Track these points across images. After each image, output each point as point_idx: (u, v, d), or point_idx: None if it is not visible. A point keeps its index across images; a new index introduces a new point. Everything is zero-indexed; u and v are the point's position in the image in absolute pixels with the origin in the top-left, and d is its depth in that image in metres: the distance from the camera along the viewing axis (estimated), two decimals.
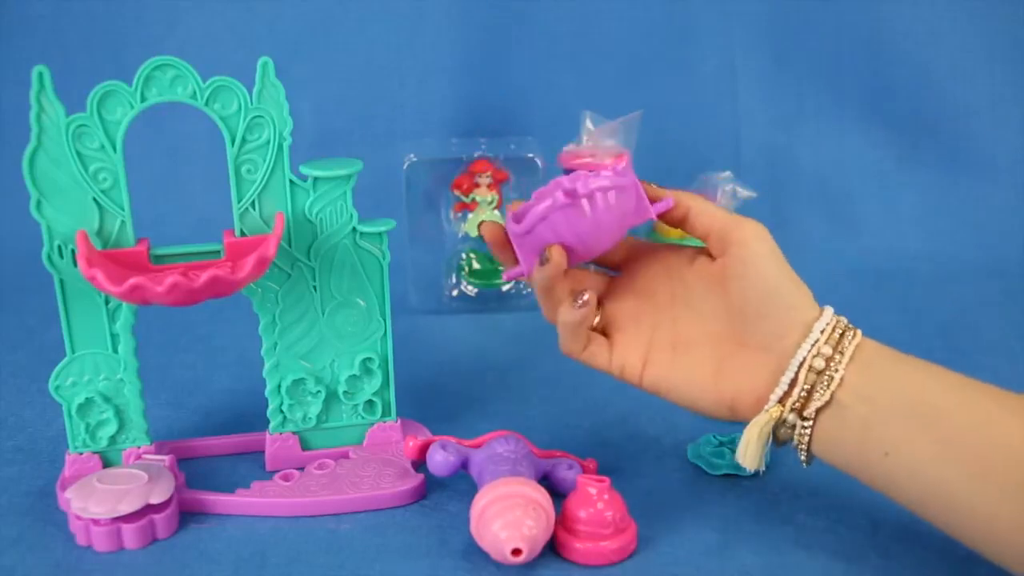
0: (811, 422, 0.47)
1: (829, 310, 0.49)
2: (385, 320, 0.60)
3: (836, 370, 0.47)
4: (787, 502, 0.56)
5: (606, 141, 0.88)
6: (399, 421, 0.63)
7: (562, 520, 0.52)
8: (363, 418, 0.62)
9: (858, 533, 0.53)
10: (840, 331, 0.48)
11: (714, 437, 0.62)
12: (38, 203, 0.52)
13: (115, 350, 0.56)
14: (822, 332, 0.48)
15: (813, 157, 1.10)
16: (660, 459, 0.62)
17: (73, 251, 0.53)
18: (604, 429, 0.66)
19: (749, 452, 0.49)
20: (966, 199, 1.08)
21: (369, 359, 0.60)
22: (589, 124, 0.89)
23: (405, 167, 0.86)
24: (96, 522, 0.52)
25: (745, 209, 0.93)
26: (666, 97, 1.08)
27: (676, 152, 1.07)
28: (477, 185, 0.88)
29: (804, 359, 0.47)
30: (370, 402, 0.62)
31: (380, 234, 0.58)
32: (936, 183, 1.08)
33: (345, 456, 0.61)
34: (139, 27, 1.06)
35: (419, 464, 0.59)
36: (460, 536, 0.53)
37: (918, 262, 1.03)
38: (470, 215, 0.89)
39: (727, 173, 0.92)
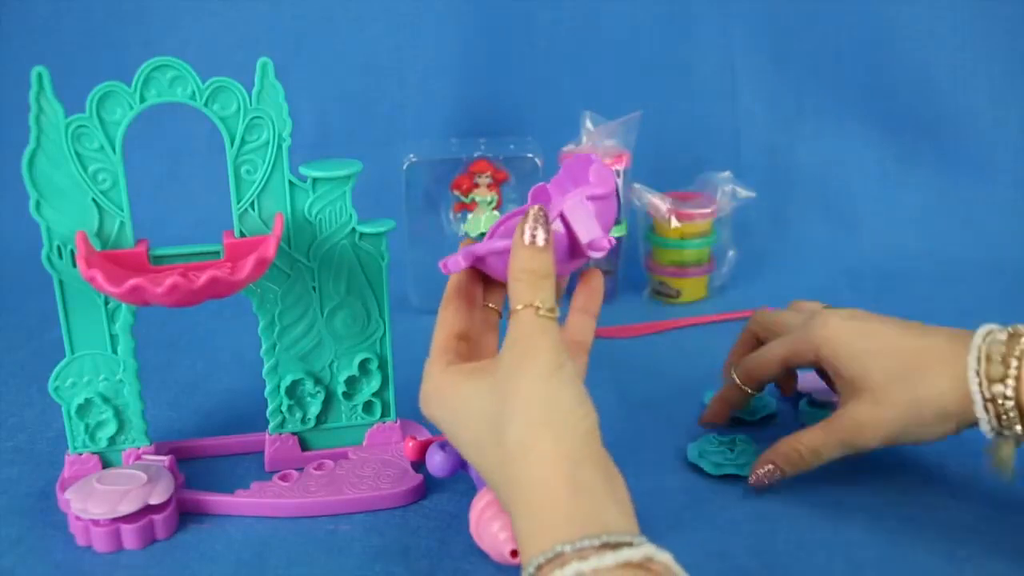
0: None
1: (972, 354, 0.49)
2: (385, 320, 0.60)
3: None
4: (787, 502, 0.56)
5: (606, 141, 0.88)
6: (399, 421, 0.63)
7: None
8: (363, 419, 0.62)
9: (859, 533, 0.53)
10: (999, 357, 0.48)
11: (714, 437, 0.62)
12: (37, 204, 0.52)
13: (114, 351, 0.56)
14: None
15: (813, 157, 1.10)
16: (660, 459, 0.62)
17: (72, 252, 0.53)
18: (604, 429, 0.66)
19: (1003, 474, 0.51)
20: (966, 199, 1.08)
21: (368, 360, 0.60)
22: (589, 124, 0.89)
23: (405, 167, 0.86)
24: (96, 523, 0.52)
25: (745, 209, 0.94)
26: (666, 97, 1.08)
27: (676, 152, 1.07)
28: (477, 185, 0.88)
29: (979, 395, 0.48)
30: (369, 403, 0.62)
31: (380, 234, 0.58)
32: (936, 183, 1.08)
33: (344, 457, 0.61)
34: (139, 27, 1.06)
35: (418, 465, 0.59)
36: (460, 536, 0.53)
37: (918, 262, 1.03)
38: (470, 215, 0.89)
39: (727, 173, 0.93)
